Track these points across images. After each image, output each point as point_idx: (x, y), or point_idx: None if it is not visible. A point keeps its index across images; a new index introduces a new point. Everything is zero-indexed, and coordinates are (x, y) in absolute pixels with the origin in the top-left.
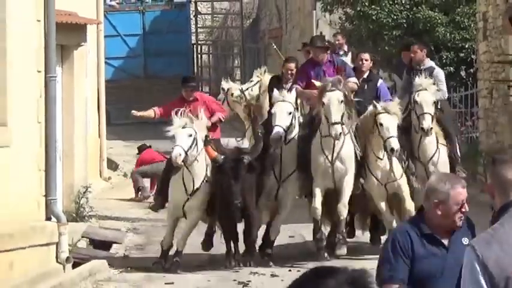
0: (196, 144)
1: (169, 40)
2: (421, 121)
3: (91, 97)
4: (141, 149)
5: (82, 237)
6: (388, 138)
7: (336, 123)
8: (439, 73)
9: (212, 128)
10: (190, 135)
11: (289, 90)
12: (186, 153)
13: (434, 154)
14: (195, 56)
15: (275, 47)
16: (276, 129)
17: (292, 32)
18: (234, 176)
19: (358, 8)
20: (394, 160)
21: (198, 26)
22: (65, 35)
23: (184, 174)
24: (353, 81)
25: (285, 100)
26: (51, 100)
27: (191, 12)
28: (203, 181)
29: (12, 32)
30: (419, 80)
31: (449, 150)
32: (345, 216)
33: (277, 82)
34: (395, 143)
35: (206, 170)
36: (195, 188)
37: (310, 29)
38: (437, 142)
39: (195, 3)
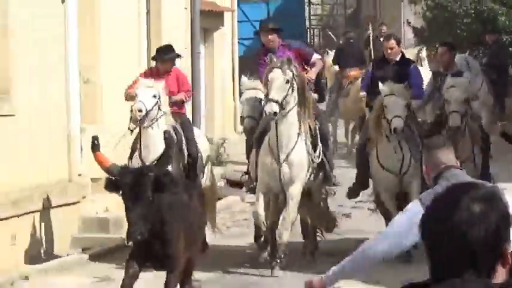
0: (159, 108)
1: (288, 24)
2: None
3: (227, 69)
4: None
5: (221, 178)
6: (392, 118)
7: (272, 100)
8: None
9: (176, 105)
10: (155, 96)
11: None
12: (146, 112)
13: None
14: (308, 39)
15: (329, 32)
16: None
17: (384, 20)
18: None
19: (436, 0)
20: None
21: (311, 14)
22: (207, 20)
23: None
24: (317, 58)
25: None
26: (197, 71)
27: (305, 2)
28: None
29: (167, 17)
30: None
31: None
32: (284, 241)
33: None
34: (397, 123)
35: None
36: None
37: (399, 18)
38: None
39: None
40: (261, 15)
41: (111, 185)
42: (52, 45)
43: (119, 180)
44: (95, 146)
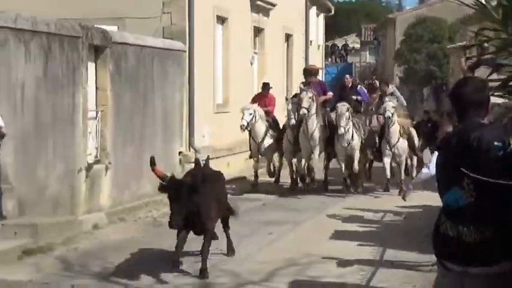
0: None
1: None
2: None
3: None
4: None
5: None
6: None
7: (303, 107)
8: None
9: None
10: (251, 114)
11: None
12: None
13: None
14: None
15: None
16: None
17: None
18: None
19: None
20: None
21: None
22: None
23: None
24: (329, 94)
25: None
26: None
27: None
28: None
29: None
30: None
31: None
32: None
33: None
34: (341, 130)
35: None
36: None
37: None
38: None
39: None
40: (334, 71)
41: (162, 189)
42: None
43: (167, 186)
44: (152, 163)
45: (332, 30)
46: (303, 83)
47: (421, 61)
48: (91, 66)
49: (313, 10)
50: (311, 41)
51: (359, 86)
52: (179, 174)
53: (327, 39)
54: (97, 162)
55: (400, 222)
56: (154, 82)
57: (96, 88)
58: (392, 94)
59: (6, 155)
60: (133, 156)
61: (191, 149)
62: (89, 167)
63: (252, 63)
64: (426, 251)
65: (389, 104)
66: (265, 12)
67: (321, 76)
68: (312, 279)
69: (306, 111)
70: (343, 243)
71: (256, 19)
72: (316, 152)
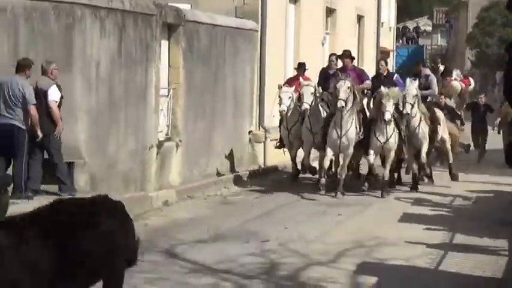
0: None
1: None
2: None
3: None
4: None
5: None
6: (384, 112)
7: (340, 99)
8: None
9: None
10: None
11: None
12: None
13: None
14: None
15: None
16: (304, 105)
17: None
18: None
19: None
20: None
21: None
22: (382, 55)
23: None
24: (367, 83)
25: (308, 85)
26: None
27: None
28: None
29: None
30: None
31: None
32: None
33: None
34: (387, 115)
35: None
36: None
37: None
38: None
39: None
40: (405, 53)
41: None
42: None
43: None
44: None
45: (404, 12)
46: (338, 69)
47: (493, 45)
48: (164, 44)
49: None
50: (382, 23)
51: (395, 75)
52: (248, 154)
53: (398, 21)
54: (168, 139)
55: (469, 206)
56: (225, 61)
57: (169, 66)
58: (427, 78)
59: (80, 131)
60: (204, 134)
61: (261, 128)
62: (159, 144)
63: (323, 44)
64: (496, 236)
65: (411, 90)
66: None
67: (391, 58)
68: (380, 261)
69: (343, 103)
70: (411, 226)
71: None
72: (349, 152)
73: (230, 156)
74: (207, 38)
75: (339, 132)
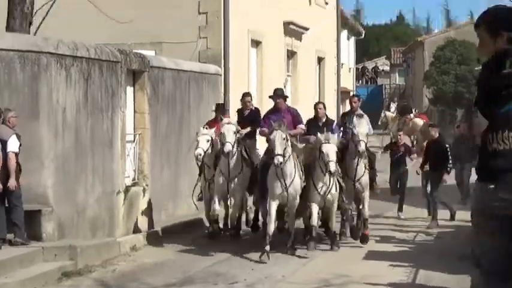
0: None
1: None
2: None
3: None
4: None
5: None
6: (328, 162)
7: (278, 154)
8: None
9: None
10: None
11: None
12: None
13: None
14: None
15: None
16: (226, 145)
17: None
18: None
19: None
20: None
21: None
22: (342, 95)
23: None
24: (300, 127)
25: (230, 123)
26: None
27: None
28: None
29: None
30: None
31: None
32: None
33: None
34: (333, 166)
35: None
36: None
37: None
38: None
39: None
40: (365, 92)
41: None
42: None
43: None
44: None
45: (362, 53)
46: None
47: (450, 83)
48: (129, 90)
49: (344, 34)
50: (342, 64)
51: (334, 122)
52: None
53: (357, 61)
54: (135, 184)
55: (432, 242)
56: (190, 105)
57: (135, 111)
58: (361, 116)
59: (47, 178)
60: (171, 178)
61: None
62: (127, 190)
63: (285, 86)
64: (458, 271)
65: (362, 129)
66: (298, 36)
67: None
68: None
69: (281, 159)
70: (376, 263)
71: (289, 42)
72: (296, 203)
73: None
74: (171, 83)
75: (284, 183)
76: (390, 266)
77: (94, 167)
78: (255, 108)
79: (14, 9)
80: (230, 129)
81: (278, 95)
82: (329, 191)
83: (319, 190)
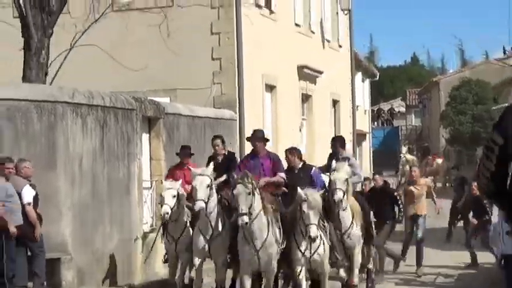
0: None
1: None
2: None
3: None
4: None
5: None
6: (308, 225)
7: (242, 213)
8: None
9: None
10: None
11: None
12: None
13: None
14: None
15: None
16: (198, 203)
17: None
18: None
19: None
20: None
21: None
22: (358, 138)
23: None
24: (280, 175)
25: (202, 174)
26: None
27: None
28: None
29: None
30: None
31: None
32: None
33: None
34: (313, 231)
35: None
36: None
37: None
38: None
39: None
40: (381, 134)
41: None
42: None
43: None
44: None
45: (377, 94)
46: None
47: (467, 123)
48: (145, 137)
49: (359, 76)
50: (357, 106)
51: (313, 168)
52: None
53: (373, 103)
54: (153, 230)
55: (453, 284)
56: (205, 151)
57: (151, 158)
58: (347, 160)
59: (65, 226)
60: None
61: None
62: (145, 236)
63: (300, 129)
64: None
65: (340, 175)
66: (312, 80)
67: (368, 140)
68: None
69: (246, 219)
70: None
71: (303, 86)
72: (273, 268)
73: None
74: (187, 129)
75: (255, 246)
76: None
77: (112, 214)
78: (229, 152)
79: (30, 59)
80: (203, 182)
81: (257, 137)
82: (315, 251)
83: (302, 250)
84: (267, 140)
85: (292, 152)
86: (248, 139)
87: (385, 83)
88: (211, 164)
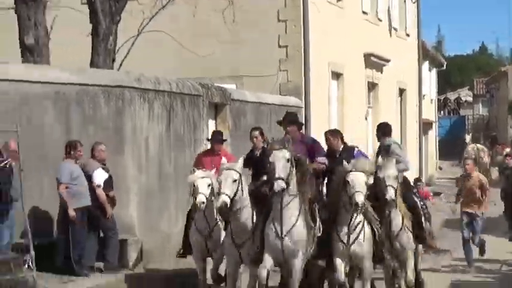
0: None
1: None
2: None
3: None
4: None
5: None
6: (354, 193)
7: (279, 178)
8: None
9: None
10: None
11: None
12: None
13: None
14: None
15: None
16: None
17: None
18: None
19: None
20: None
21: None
22: (425, 126)
23: None
24: (320, 160)
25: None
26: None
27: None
28: None
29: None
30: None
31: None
32: None
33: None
34: (359, 198)
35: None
36: None
37: None
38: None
39: None
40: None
41: None
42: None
43: None
44: None
45: (444, 83)
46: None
47: None
48: (211, 123)
49: (426, 65)
50: (424, 95)
51: (355, 149)
52: None
53: (439, 93)
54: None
55: None
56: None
57: None
58: (388, 150)
59: (133, 209)
60: None
61: None
62: None
63: (366, 118)
64: None
65: (391, 172)
66: (379, 68)
67: (434, 129)
68: None
69: (282, 183)
70: None
71: (370, 74)
72: (297, 263)
73: None
74: (252, 116)
75: (279, 230)
76: None
77: (177, 200)
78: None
79: (98, 45)
80: (229, 176)
81: (289, 121)
82: (355, 240)
83: (342, 238)
84: (302, 124)
85: (335, 134)
86: (279, 122)
87: (452, 72)
88: (242, 158)
